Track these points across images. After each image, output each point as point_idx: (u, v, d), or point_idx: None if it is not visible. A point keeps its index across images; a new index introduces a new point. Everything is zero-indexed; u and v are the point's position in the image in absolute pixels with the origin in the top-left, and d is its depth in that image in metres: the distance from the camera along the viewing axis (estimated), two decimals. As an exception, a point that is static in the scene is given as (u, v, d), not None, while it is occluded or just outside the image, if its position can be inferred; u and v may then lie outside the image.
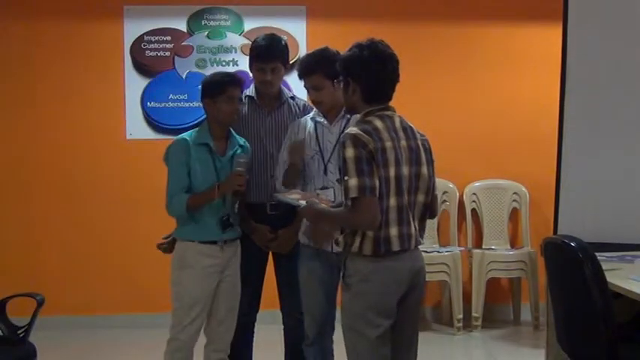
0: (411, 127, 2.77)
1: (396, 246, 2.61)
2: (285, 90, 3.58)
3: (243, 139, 3.40)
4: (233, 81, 3.26)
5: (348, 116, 3.12)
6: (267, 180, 3.44)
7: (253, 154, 3.43)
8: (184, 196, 3.19)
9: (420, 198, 2.70)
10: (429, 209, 2.77)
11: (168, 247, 3.35)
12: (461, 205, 5.54)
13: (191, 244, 3.23)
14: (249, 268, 3.45)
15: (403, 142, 2.66)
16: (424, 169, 2.71)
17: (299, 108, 3.53)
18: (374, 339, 2.61)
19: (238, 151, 3.32)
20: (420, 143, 2.74)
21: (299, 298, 3.43)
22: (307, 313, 3.27)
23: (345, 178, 2.53)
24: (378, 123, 2.64)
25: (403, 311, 2.70)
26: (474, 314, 5.26)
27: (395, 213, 2.61)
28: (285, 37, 3.51)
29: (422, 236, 2.76)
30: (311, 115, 3.32)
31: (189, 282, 3.22)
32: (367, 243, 2.59)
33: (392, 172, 2.59)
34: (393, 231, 2.61)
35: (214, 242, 3.24)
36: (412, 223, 2.67)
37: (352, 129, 2.60)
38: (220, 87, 3.23)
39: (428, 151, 2.78)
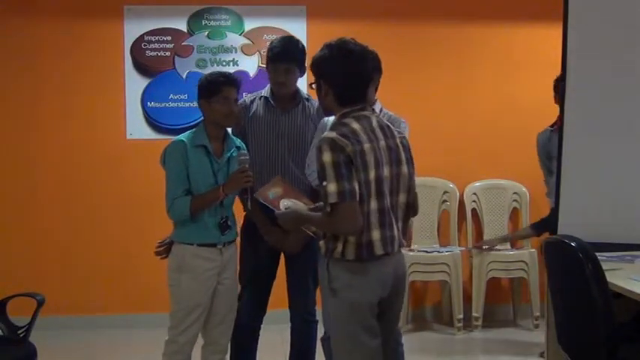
0: (388, 125, 2.68)
1: (379, 250, 2.56)
2: (302, 91, 3.57)
3: (239, 141, 3.39)
4: (228, 81, 3.21)
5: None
6: None
7: (266, 153, 3.44)
8: (187, 198, 3.16)
9: (402, 198, 2.65)
10: (411, 208, 2.72)
11: (165, 250, 3.32)
12: (461, 205, 5.54)
13: (190, 247, 3.20)
14: (258, 269, 3.46)
15: (382, 143, 2.59)
16: (404, 169, 2.65)
17: (313, 109, 3.51)
18: (367, 341, 2.57)
19: (234, 153, 3.30)
20: (398, 142, 2.66)
21: (308, 298, 3.44)
22: (325, 307, 3.20)
23: (324, 183, 2.47)
24: (355, 125, 2.56)
25: (386, 318, 2.66)
26: (474, 314, 5.26)
27: (376, 216, 2.55)
28: (302, 41, 3.50)
29: (404, 237, 2.70)
30: None
31: (189, 285, 3.19)
32: (350, 248, 2.54)
33: (372, 174, 2.53)
34: (376, 235, 2.55)
35: (213, 245, 3.23)
36: (395, 225, 2.62)
37: (329, 133, 2.53)
38: (215, 87, 3.19)
39: (407, 149, 2.70)
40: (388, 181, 2.58)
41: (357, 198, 2.48)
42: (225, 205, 3.25)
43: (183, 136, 3.25)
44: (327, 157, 2.47)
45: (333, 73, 2.59)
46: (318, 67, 2.64)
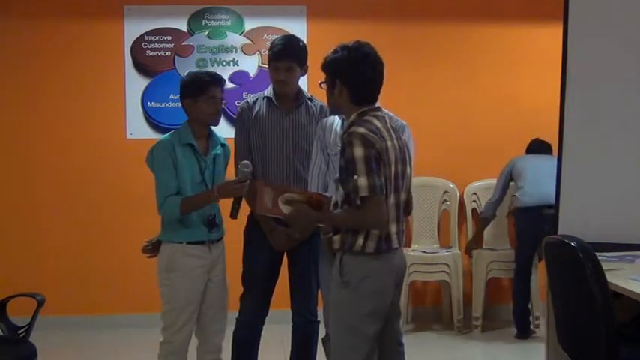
0: (395, 127, 2.81)
1: (395, 243, 2.68)
2: (304, 91, 3.57)
3: (224, 138, 3.39)
4: (214, 80, 3.22)
5: None
6: (284, 180, 3.43)
7: (270, 153, 3.43)
8: (177, 198, 3.16)
9: (403, 196, 2.75)
10: (408, 207, 2.84)
11: (152, 248, 3.33)
12: (461, 205, 5.54)
13: (179, 246, 3.21)
14: (259, 268, 3.46)
15: (395, 142, 2.70)
16: (407, 169, 2.77)
17: (316, 109, 3.51)
18: (373, 335, 2.66)
19: (219, 151, 3.30)
20: (403, 143, 2.78)
21: (311, 299, 3.44)
22: (327, 307, 3.19)
23: (355, 177, 2.55)
24: (377, 123, 2.67)
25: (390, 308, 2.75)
26: (474, 314, 5.26)
27: (393, 211, 2.66)
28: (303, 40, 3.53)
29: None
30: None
31: (180, 284, 3.20)
32: (371, 241, 2.63)
33: (392, 170, 2.64)
34: (393, 228, 2.67)
35: (202, 242, 3.23)
36: (402, 220, 2.75)
37: (358, 129, 2.60)
38: (201, 87, 3.19)
39: (408, 151, 2.82)
40: (399, 179, 2.69)
41: (384, 193, 2.59)
42: (212, 203, 3.25)
43: (169, 136, 3.26)
44: (358, 151, 2.55)
45: (351, 74, 2.69)
46: (334, 67, 2.73)
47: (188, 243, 3.21)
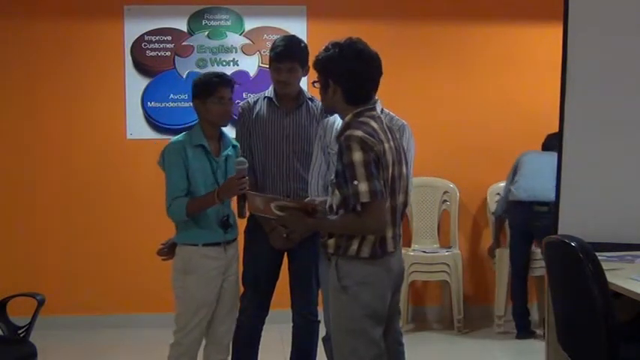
0: (392, 127, 2.74)
1: (390, 247, 2.62)
2: (305, 91, 3.57)
3: (235, 139, 3.40)
4: (223, 81, 3.23)
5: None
6: (284, 180, 3.44)
7: (271, 154, 3.43)
8: (184, 200, 3.17)
9: (401, 198, 2.68)
10: (405, 209, 2.78)
11: (168, 251, 3.33)
12: (461, 205, 5.54)
13: (195, 248, 3.21)
14: (260, 269, 3.46)
15: (391, 143, 2.62)
16: (404, 170, 2.69)
17: (317, 109, 3.50)
18: (377, 339, 2.62)
19: (231, 152, 3.31)
20: (399, 143, 2.71)
21: (310, 296, 3.44)
22: (327, 306, 3.18)
23: (355, 182, 2.47)
24: (374, 124, 2.58)
25: (389, 312, 2.70)
26: (496, 314, 5.23)
27: (389, 214, 2.59)
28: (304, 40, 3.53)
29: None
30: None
31: (196, 287, 3.20)
32: (366, 245, 2.57)
33: (389, 173, 2.58)
34: (389, 232, 2.61)
35: (218, 244, 3.24)
36: (399, 223, 2.69)
37: (354, 131, 2.52)
38: (210, 88, 3.21)
39: (404, 151, 2.75)
40: (396, 181, 2.62)
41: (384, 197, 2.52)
42: (225, 204, 3.26)
43: (180, 137, 3.27)
44: (357, 156, 2.48)
45: (344, 72, 2.60)
46: (326, 65, 2.64)
47: (204, 245, 3.21)
